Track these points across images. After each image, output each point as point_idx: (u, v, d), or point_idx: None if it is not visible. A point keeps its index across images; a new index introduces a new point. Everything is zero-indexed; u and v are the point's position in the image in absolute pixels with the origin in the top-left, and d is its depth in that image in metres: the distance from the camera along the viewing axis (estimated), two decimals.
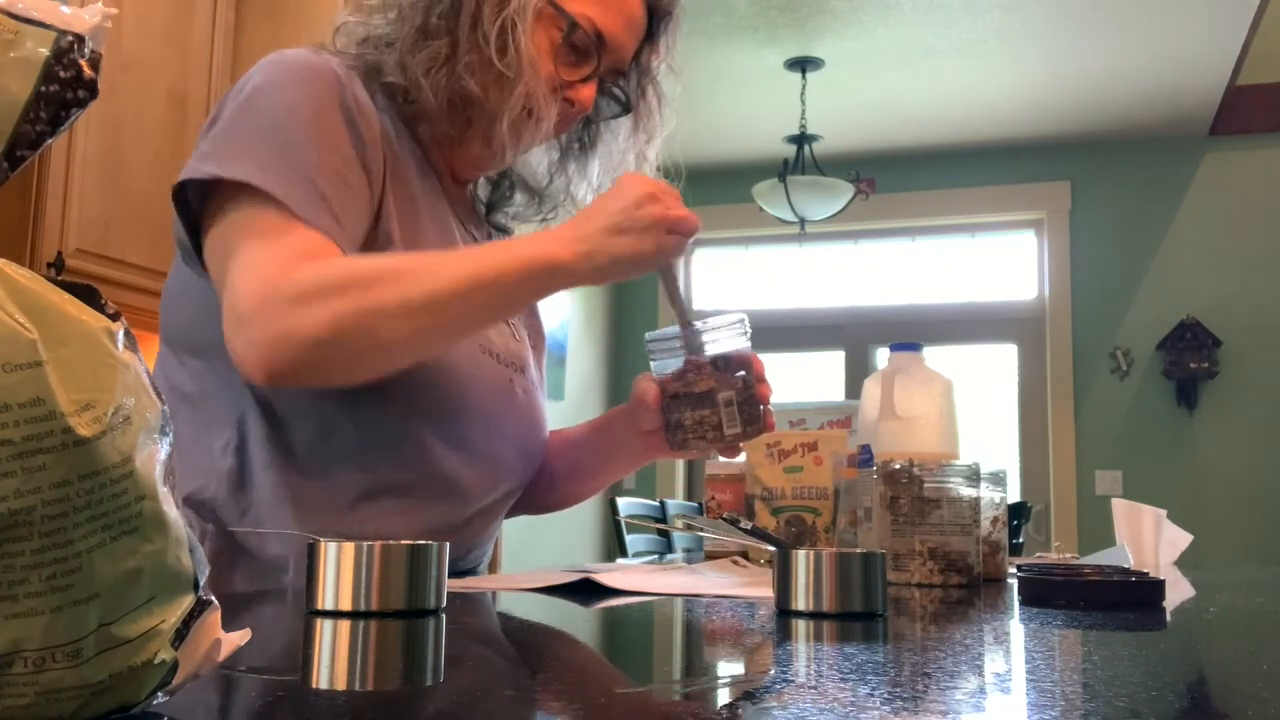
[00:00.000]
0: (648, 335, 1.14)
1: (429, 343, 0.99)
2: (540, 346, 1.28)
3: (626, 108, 1.21)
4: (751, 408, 1.10)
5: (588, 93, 1.14)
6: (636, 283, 1.37)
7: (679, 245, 1.01)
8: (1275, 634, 0.76)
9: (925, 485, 1.05)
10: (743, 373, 1.10)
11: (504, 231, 1.31)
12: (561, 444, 1.28)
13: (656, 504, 3.57)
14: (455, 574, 1.14)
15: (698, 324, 1.11)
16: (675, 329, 1.12)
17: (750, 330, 1.12)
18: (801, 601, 0.77)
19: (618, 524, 3.08)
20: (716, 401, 1.09)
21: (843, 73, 4.50)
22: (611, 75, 1.17)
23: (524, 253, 0.98)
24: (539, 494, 1.29)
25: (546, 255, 0.98)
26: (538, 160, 1.27)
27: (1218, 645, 0.71)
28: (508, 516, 1.29)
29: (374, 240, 1.05)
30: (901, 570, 1.04)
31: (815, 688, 0.48)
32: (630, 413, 1.17)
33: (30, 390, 0.32)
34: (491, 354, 1.13)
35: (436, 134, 1.14)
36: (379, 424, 1.03)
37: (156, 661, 0.36)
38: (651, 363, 1.13)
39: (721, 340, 1.10)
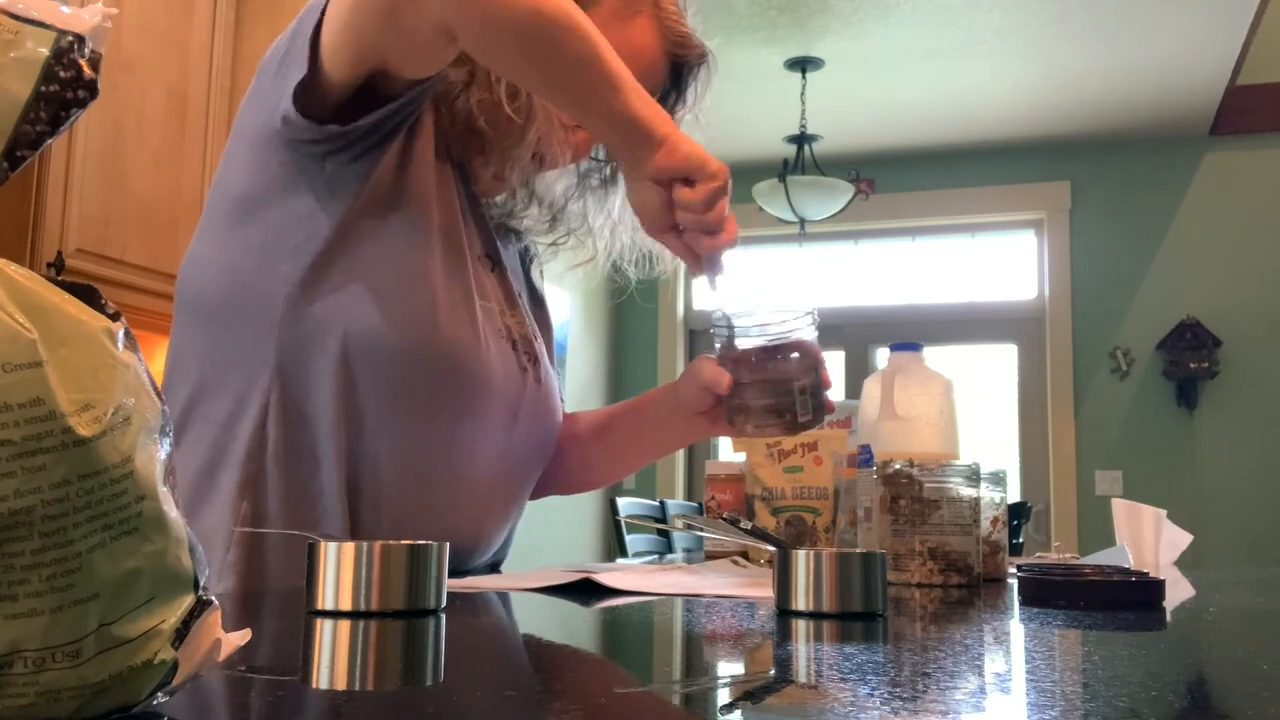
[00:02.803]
0: (715, 316, 1.13)
1: (514, 42, 0.96)
2: (549, 342, 1.28)
3: None
4: (819, 394, 1.11)
5: (582, 136, 1.17)
6: (636, 287, 1.36)
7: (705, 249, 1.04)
8: (1275, 634, 0.76)
9: (925, 485, 1.05)
10: (810, 360, 1.11)
11: (517, 235, 1.31)
12: (593, 426, 1.29)
13: (656, 504, 3.57)
14: (473, 570, 1.14)
15: (766, 310, 1.12)
16: (741, 311, 1.12)
17: (818, 320, 1.13)
18: (801, 601, 0.77)
19: (618, 524, 3.08)
20: (792, 388, 1.10)
21: (843, 73, 4.50)
22: None
23: (644, 103, 0.99)
24: (571, 474, 1.30)
25: (653, 127, 0.99)
26: (554, 178, 1.26)
27: (1218, 645, 0.71)
28: (536, 497, 1.30)
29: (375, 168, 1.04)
30: (901, 570, 1.04)
31: (815, 688, 0.48)
32: (683, 396, 1.18)
33: (30, 390, 0.32)
34: (509, 339, 1.13)
35: (454, 154, 1.14)
36: (404, 397, 1.03)
37: (156, 661, 0.36)
38: (716, 345, 1.14)
39: (795, 327, 1.11)
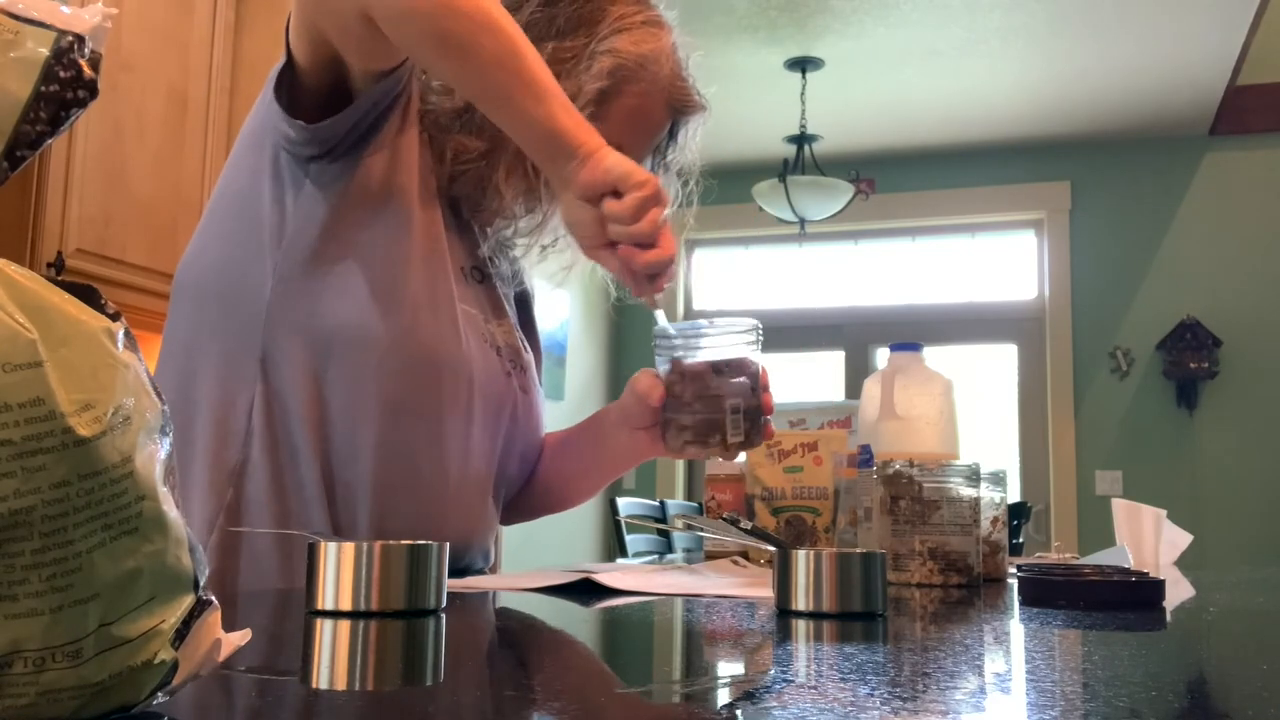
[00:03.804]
0: (657, 329, 1.10)
1: (444, 44, 0.97)
2: (538, 363, 1.29)
3: None
4: (755, 416, 1.07)
5: None
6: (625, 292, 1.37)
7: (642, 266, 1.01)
8: (1275, 634, 0.76)
9: (925, 486, 1.05)
10: (747, 380, 1.07)
11: (506, 247, 1.32)
12: (553, 446, 1.29)
13: (656, 504, 3.57)
14: (462, 571, 1.14)
15: (711, 325, 1.09)
16: (687, 325, 1.09)
17: (762, 338, 1.09)
18: (801, 601, 0.77)
19: (618, 524, 3.08)
20: (724, 406, 1.06)
21: (843, 73, 4.50)
22: None
23: (569, 116, 0.98)
24: (533, 498, 1.29)
25: (578, 141, 0.98)
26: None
27: (1218, 645, 0.71)
28: (505, 523, 1.30)
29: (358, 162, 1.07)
30: (901, 570, 1.04)
31: (815, 688, 0.48)
32: (624, 410, 1.16)
33: (30, 390, 0.32)
34: (494, 346, 1.14)
35: (458, 192, 1.17)
36: (386, 393, 1.04)
37: (156, 661, 0.36)
38: (657, 358, 1.11)
39: (735, 345, 1.08)
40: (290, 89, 1.05)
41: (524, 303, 1.33)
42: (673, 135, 1.25)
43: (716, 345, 1.08)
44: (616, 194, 0.99)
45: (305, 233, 1.05)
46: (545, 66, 0.98)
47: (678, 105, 1.21)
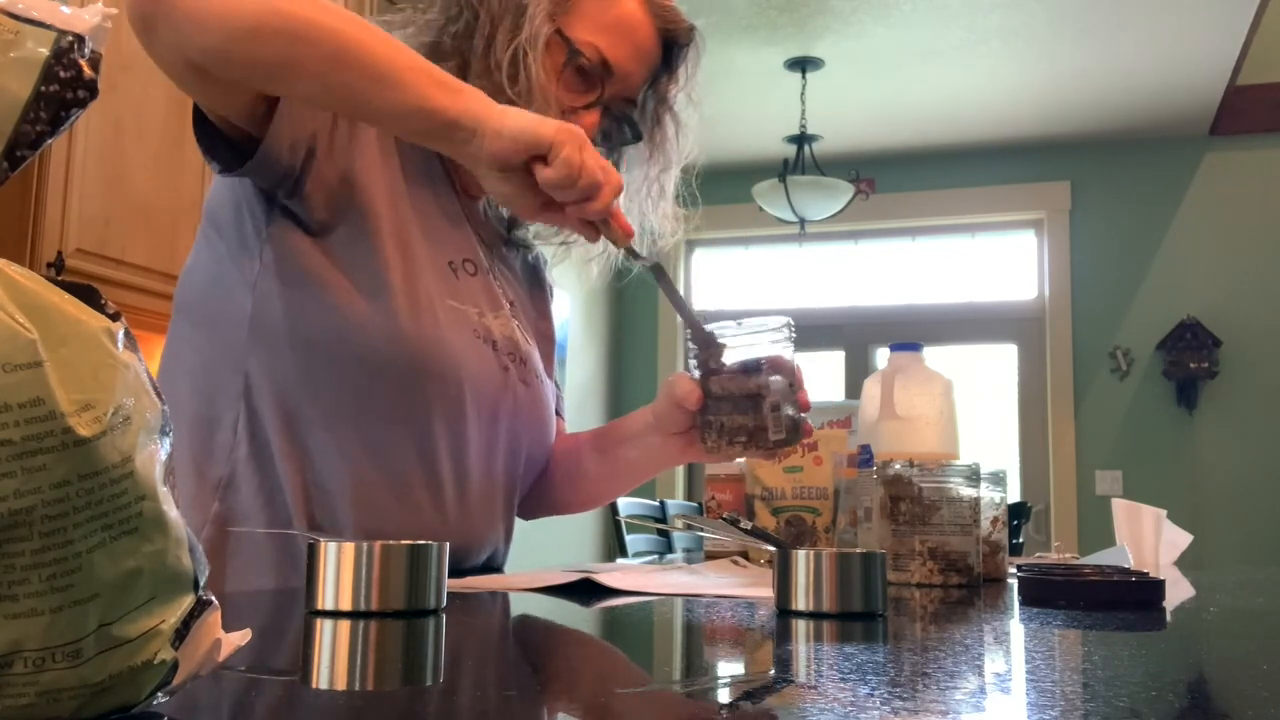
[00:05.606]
0: (690, 333, 1.08)
1: (294, 61, 0.91)
2: (550, 353, 1.29)
3: (638, 135, 1.21)
4: (794, 414, 1.06)
5: (589, 120, 1.14)
6: (639, 284, 1.36)
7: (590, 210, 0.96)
8: (1275, 634, 0.76)
9: (925, 486, 1.05)
10: (784, 378, 1.06)
11: (526, 247, 1.32)
12: (581, 445, 1.28)
13: (656, 504, 3.56)
14: (470, 570, 1.13)
15: (740, 325, 1.07)
16: (718, 326, 1.08)
17: (795, 335, 1.08)
18: (801, 601, 0.77)
19: (618, 524, 3.08)
20: (765, 406, 1.05)
21: (843, 73, 4.50)
22: (622, 104, 1.17)
23: (441, 90, 0.92)
24: (548, 497, 1.29)
25: (458, 114, 0.92)
26: None
27: (1218, 645, 0.71)
28: (531, 516, 1.29)
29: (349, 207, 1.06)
30: (901, 570, 1.04)
31: (815, 688, 0.48)
32: (659, 415, 1.14)
33: (30, 390, 0.32)
34: (488, 341, 1.13)
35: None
36: (370, 399, 1.04)
37: (156, 661, 0.36)
38: (691, 360, 1.09)
39: (770, 343, 1.07)
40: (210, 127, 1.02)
41: (540, 293, 1.32)
42: (671, 70, 1.21)
43: (752, 344, 1.06)
44: (541, 158, 0.93)
45: (278, 249, 1.05)
46: (398, 45, 0.93)
47: (659, 13, 1.17)
